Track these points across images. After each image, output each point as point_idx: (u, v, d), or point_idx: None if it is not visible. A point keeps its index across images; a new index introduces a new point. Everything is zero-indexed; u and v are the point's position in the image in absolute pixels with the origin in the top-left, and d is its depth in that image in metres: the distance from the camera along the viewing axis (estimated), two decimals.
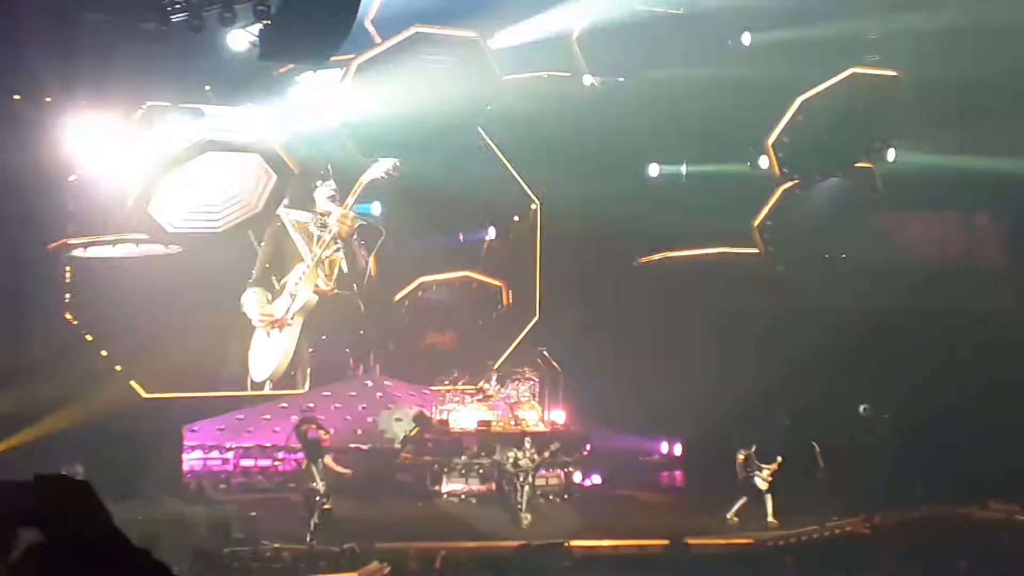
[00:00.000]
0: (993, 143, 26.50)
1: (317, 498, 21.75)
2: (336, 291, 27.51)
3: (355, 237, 27.56)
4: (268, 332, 27.30)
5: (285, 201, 27.51)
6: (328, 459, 22.91)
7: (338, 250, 27.53)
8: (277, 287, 27.47)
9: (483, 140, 28.48)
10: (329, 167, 27.27)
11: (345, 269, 27.57)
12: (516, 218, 29.36)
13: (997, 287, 27.31)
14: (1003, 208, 28.56)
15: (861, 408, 26.56)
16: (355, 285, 27.83)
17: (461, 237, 29.57)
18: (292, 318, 27.28)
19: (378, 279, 28.36)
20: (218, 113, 26.76)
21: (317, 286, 27.26)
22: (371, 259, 28.07)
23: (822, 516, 23.02)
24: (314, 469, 22.29)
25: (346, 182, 27.19)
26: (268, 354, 27.12)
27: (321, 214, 27.34)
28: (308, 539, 20.82)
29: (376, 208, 28.25)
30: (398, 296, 28.73)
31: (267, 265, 27.57)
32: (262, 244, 27.53)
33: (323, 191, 27.30)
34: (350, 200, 27.34)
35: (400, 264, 28.49)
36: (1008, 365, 25.38)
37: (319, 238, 27.46)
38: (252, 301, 27.32)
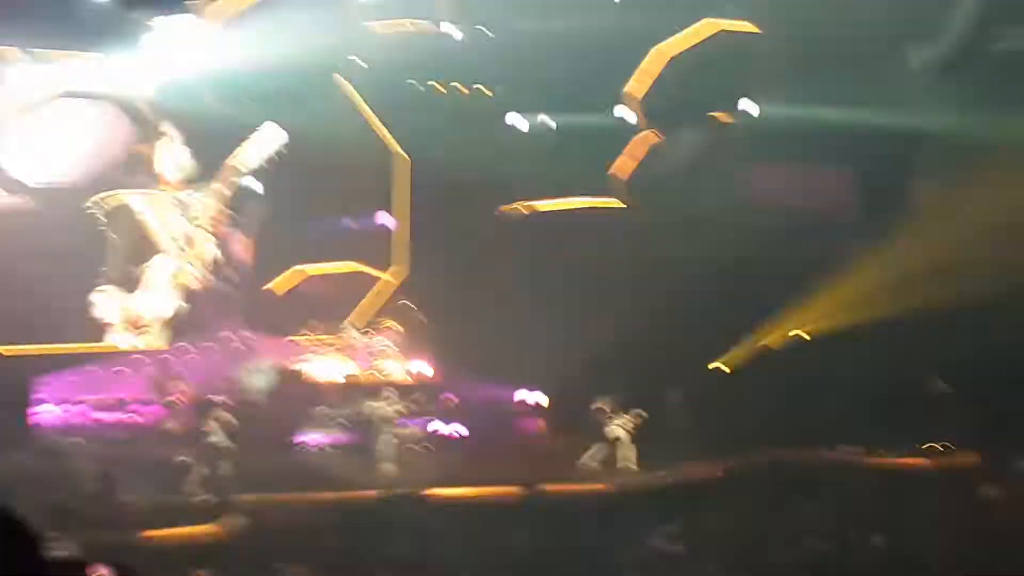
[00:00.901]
0: (843, 95, 26.90)
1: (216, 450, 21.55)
2: (207, 285, 27.00)
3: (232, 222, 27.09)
4: (129, 336, 26.50)
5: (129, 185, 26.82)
6: (221, 412, 22.49)
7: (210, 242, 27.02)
8: (136, 273, 26.79)
9: (346, 90, 28.18)
10: (169, 126, 26.76)
11: (220, 258, 27.07)
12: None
13: (847, 238, 27.82)
14: (854, 160, 29.07)
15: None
16: (231, 273, 27.31)
17: (348, 223, 28.96)
18: (148, 336, 26.44)
19: (252, 268, 27.63)
20: (74, 61, 26.17)
21: (186, 288, 26.73)
22: (244, 238, 27.35)
23: (677, 462, 23.33)
24: (212, 423, 21.90)
25: (204, 136, 26.67)
26: None
27: (178, 192, 26.78)
28: (204, 492, 20.80)
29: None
30: (276, 290, 27.86)
31: (121, 259, 26.67)
32: (113, 234, 26.54)
33: (166, 153, 26.85)
34: (225, 191, 26.70)
35: (278, 251, 27.69)
36: (857, 312, 25.95)
37: (185, 234, 26.88)
38: (108, 303, 26.30)
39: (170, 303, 26.73)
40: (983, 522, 20.51)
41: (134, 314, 26.53)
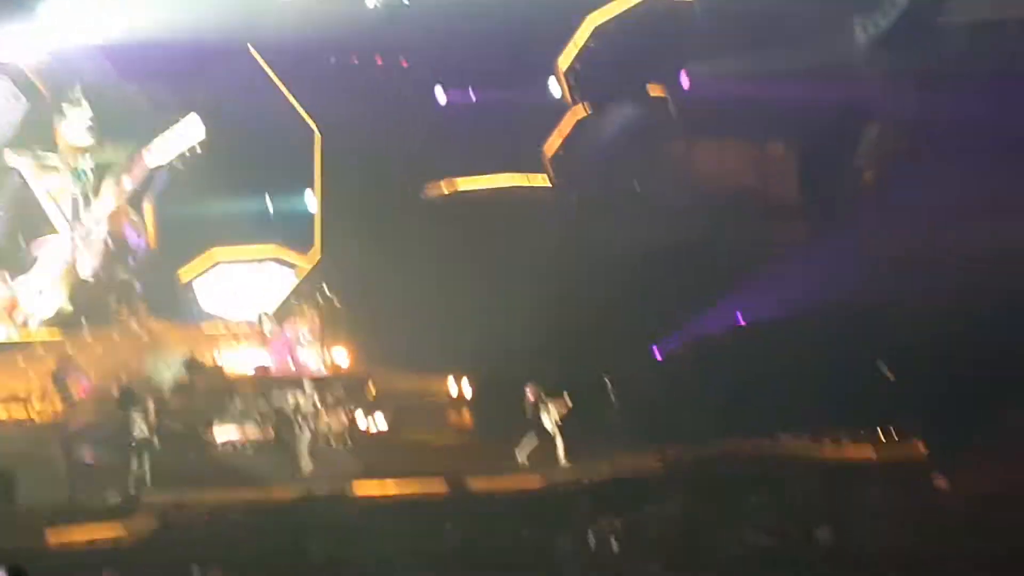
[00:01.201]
0: (786, 70, 26.47)
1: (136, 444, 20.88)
2: (101, 277, 25.92)
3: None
4: (5, 326, 25.21)
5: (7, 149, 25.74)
6: (147, 402, 21.62)
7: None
8: (23, 250, 25.66)
9: (258, 64, 27.23)
10: (78, 88, 25.66)
11: (112, 247, 25.99)
12: None
13: (789, 217, 27.47)
14: (795, 136, 28.60)
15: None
16: (131, 258, 26.27)
17: (270, 205, 27.98)
18: (39, 328, 25.27)
19: (160, 252, 26.74)
20: None
21: (75, 281, 25.62)
22: (150, 219, 26.29)
23: (613, 453, 22.66)
24: (134, 416, 21.08)
25: (103, 109, 25.88)
26: None
27: (74, 155, 25.74)
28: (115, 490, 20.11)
29: None
30: (187, 276, 26.95)
31: (7, 234, 25.69)
32: None
33: (76, 120, 25.70)
34: (128, 186, 25.72)
35: (189, 235, 26.76)
36: (798, 299, 25.42)
37: (76, 204, 25.69)
38: None
39: (62, 289, 25.69)
40: (928, 511, 20.21)
41: (18, 300, 25.44)
